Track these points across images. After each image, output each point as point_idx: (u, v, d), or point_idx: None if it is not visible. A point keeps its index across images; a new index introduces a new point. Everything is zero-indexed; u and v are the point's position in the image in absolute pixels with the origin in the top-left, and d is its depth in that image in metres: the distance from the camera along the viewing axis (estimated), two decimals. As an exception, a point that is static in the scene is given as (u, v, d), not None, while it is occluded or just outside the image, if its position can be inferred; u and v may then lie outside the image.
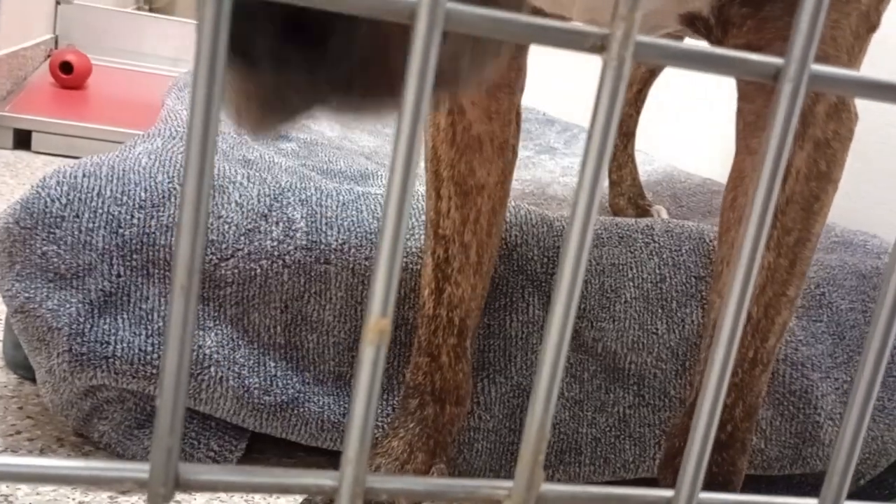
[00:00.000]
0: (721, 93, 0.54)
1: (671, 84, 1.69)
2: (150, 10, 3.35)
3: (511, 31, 0.24)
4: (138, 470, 0.24)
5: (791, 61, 0.24)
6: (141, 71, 2.26)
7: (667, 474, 0.59)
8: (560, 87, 2.30)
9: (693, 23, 0.52)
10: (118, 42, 2.33)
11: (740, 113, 0.56)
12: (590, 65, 2.10)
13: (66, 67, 1.86)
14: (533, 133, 1.73)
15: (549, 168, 1.49)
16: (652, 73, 1.25)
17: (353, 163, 1.09)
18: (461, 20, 0.23)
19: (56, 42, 2.30)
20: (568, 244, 0.25)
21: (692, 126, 1.70)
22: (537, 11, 0.58)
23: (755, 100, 0.55)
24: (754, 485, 0.78)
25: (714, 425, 0.30)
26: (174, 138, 0.80)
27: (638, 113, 1.27)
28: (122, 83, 2.06)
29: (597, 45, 0.24)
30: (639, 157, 1.46)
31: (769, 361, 0.58)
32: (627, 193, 1.27)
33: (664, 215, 1.27)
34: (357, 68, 0.25)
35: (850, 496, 0.77)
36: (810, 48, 0.25)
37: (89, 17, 2.31)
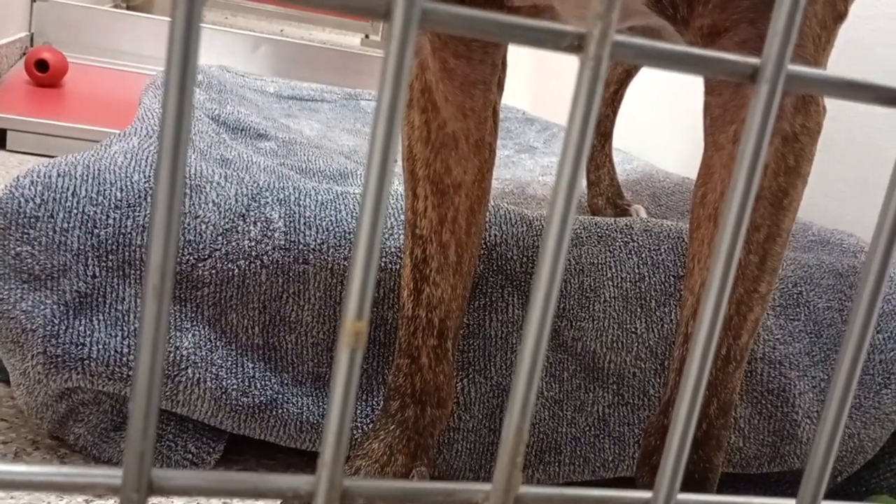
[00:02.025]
0: (698, 91, 0.54)
1: (649, 83, 1.70)
2: (128, 7, 3.32)
3: (488, 31, 0.23)
4: (111, 475, 0.23)
5: (768, 62, 0.24)
6: (118, 69, 2.24)
7: (644, 473, 0.60)
8: (540, 86, 2.30)
9: (660, 1, 0.51)
10: (95, 40, 2.30)
11: (707, 107, 0.56)
12: (570, 64, 2.10)
13: (42, 65, 1.84)
14: (513, 132, 1.73)
15: (529, 167, 1.49)
16: (628, 74, 1.25)
17: (331, 162, 1.08)
18: (437, 18, 0.23)
19: (31, 40, 2.28)
20: (546, 240, 0.24)
21: (670, 125, 1.71)
22: (515, 10, 0.58)
23: (722, 93, 0.54)
24: (733, 483, 0.79)
25: (691, 427, 0.30)
26: (150, 137, 0.79)
27: (615, 113, 1.28)
28: (99, 81, 2.04)
29: (574, 45, 0.23)
30: (617, 157, 1.46)
31: (742, 358, 0.58)
32: (606, 193, 1.27)
33: (643, 215, 1.28)
34: None
35: (828, 494, 0.77)
36: (787, 48, 0.25)
37: (65, 14, 2.29)
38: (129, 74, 2.17)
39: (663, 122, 1.73)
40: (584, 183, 1.32)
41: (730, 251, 0.27)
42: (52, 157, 1.54)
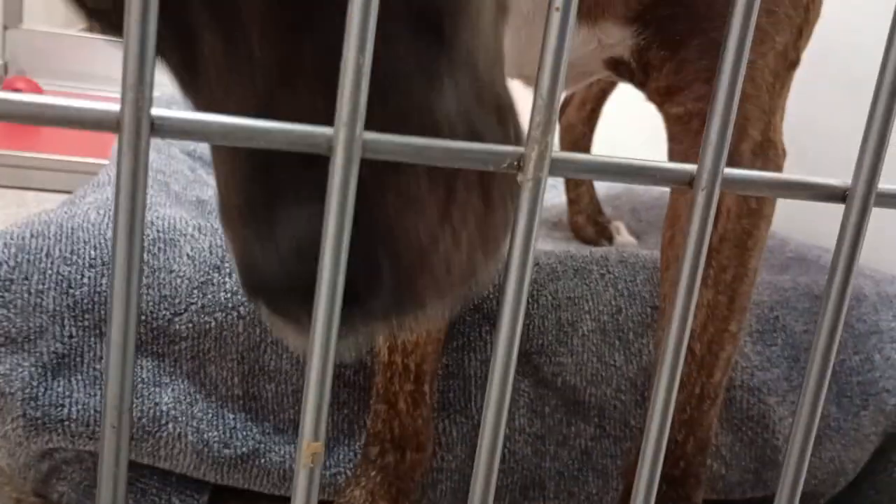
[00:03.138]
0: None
1: (626, 96, 1.70)
2: (101, 31, 3.30)
3: (429, 156, 0.24)
4: None
5: (703, 171, 0.25)
6: (93, 94, 2.24)
7: None
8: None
9: (617, 67, 0.53)
10: (69, 65, 2.29)
11: (671, 154, 0.57)
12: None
13: (18, 97, 1.83)
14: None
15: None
16: (604, 92, 1.26)
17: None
18: (378, 148, 0.23)
19: (5, 69, 2.27)
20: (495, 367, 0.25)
21: (648, 138, 1.71)
22: None
23: (682, 140, 0.56)
24: (717, 509, 0.79)
25: (656, 476, 0.30)
26: (125, 185, 0.79)
27: (592, 131, 1.28)
28: (77, 110, 2.03)
29: (513, 165, 0.24)
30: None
31: (717, 395, 0.59)
32: (586, 211, 1.28)
33: (623, 231, 1.28)
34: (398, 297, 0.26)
35: None
36: (721, 156, 0.25)
37: (38, 41, 2.28)
38: (104, 100, 2.17)
39: (641, 135, 1.74)
40: (563, 199, 1.32)
41: (678, 340, 0.28)
42: (29, 189, 1.54)
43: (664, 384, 0.29)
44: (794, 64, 0.52)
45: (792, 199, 0.26)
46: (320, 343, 0.24)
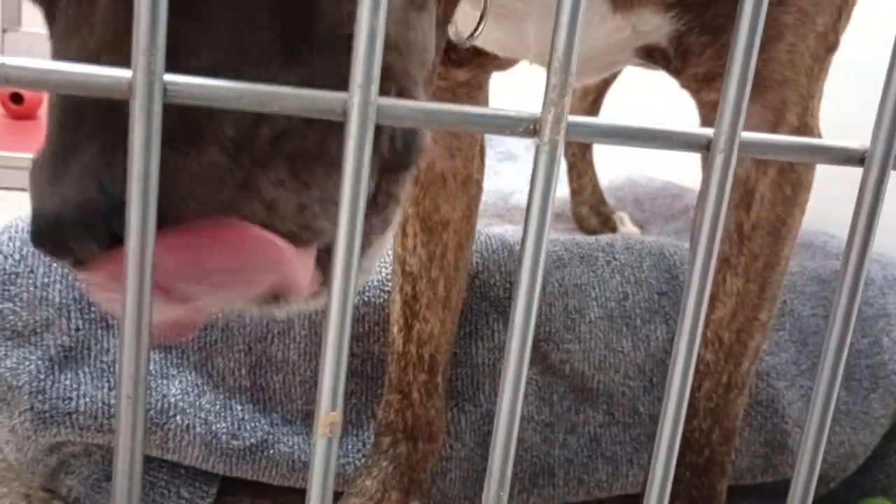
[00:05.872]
0: (681, 94, 0.56)
1: (630, 87, 1.70)
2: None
3: (444, 121, 0.24)
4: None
5: (721, 133, 0.25)
6: (96, 97, 2.23)
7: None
8: (517, 83, 2.30)
9: (651, 55, 0.52)
10: (71, 68, 2.29)
11: None
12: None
13: (17, 98, 1.83)
14: (493, 140, 1.73)
15: (512, 176, 1.49)
16: (607, 83, 1.25)
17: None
18: (392, 113, 0.23)
19: (7, 72, 2.26)
20: (511, 337, 0.25)
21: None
22: (482, 55, 0.58)
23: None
24: (727, 495, 0.79)
25: (672, 465, 0.30)
26: (129, 180, 0.79)
27: (595, 122, 1.28)
28: (78, 111, 2.03)
29: (529, 130, 0.24)
30: (599, 162, 1.47)
31: (744, 385, 0.59)
32: (589, 202, 1.28)
33: (627, 221, 1.28)
34: None
35: (821, 500, 0.76)
36: (739, 118, 0.25)
37: (37, 44, 2.27)
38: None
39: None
40: (566, 192, 1.32)
41: (695, 314, 0.27)
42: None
43: (682, 359, 0.29)
44: (833, 47, 0.51)
45: (810, 162, 0.25)
46: (337, 312, 0.24)
